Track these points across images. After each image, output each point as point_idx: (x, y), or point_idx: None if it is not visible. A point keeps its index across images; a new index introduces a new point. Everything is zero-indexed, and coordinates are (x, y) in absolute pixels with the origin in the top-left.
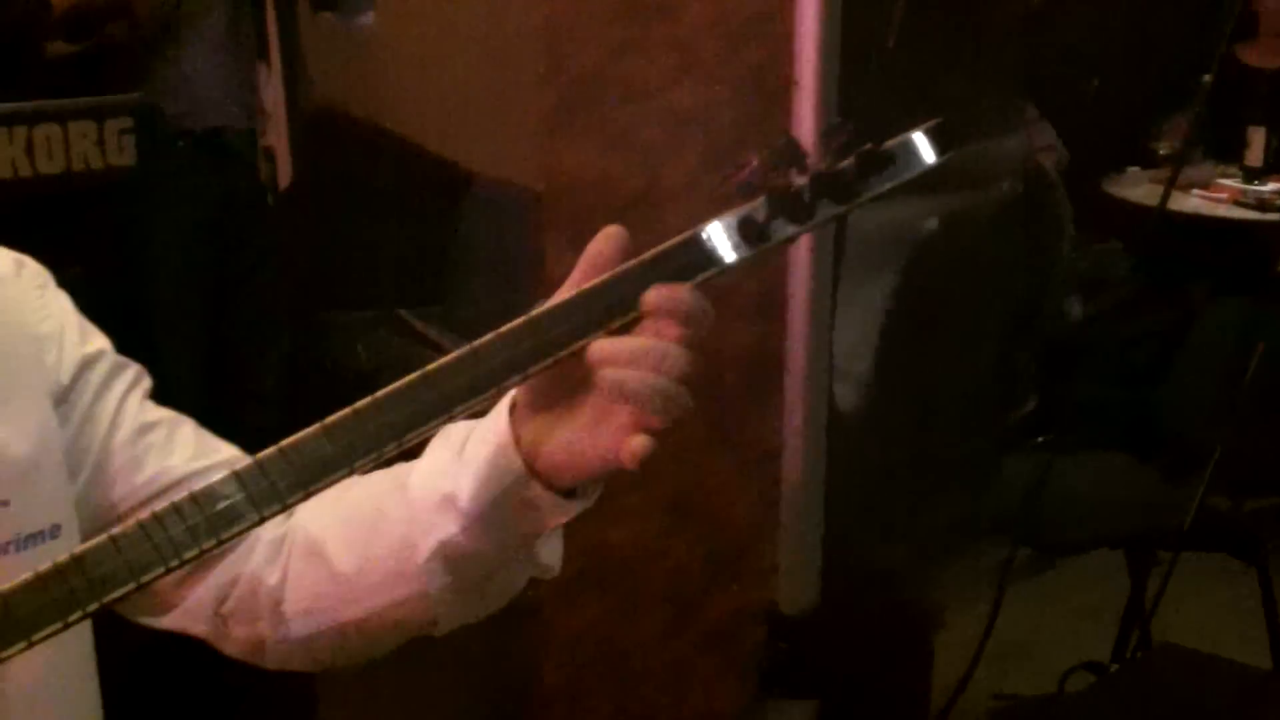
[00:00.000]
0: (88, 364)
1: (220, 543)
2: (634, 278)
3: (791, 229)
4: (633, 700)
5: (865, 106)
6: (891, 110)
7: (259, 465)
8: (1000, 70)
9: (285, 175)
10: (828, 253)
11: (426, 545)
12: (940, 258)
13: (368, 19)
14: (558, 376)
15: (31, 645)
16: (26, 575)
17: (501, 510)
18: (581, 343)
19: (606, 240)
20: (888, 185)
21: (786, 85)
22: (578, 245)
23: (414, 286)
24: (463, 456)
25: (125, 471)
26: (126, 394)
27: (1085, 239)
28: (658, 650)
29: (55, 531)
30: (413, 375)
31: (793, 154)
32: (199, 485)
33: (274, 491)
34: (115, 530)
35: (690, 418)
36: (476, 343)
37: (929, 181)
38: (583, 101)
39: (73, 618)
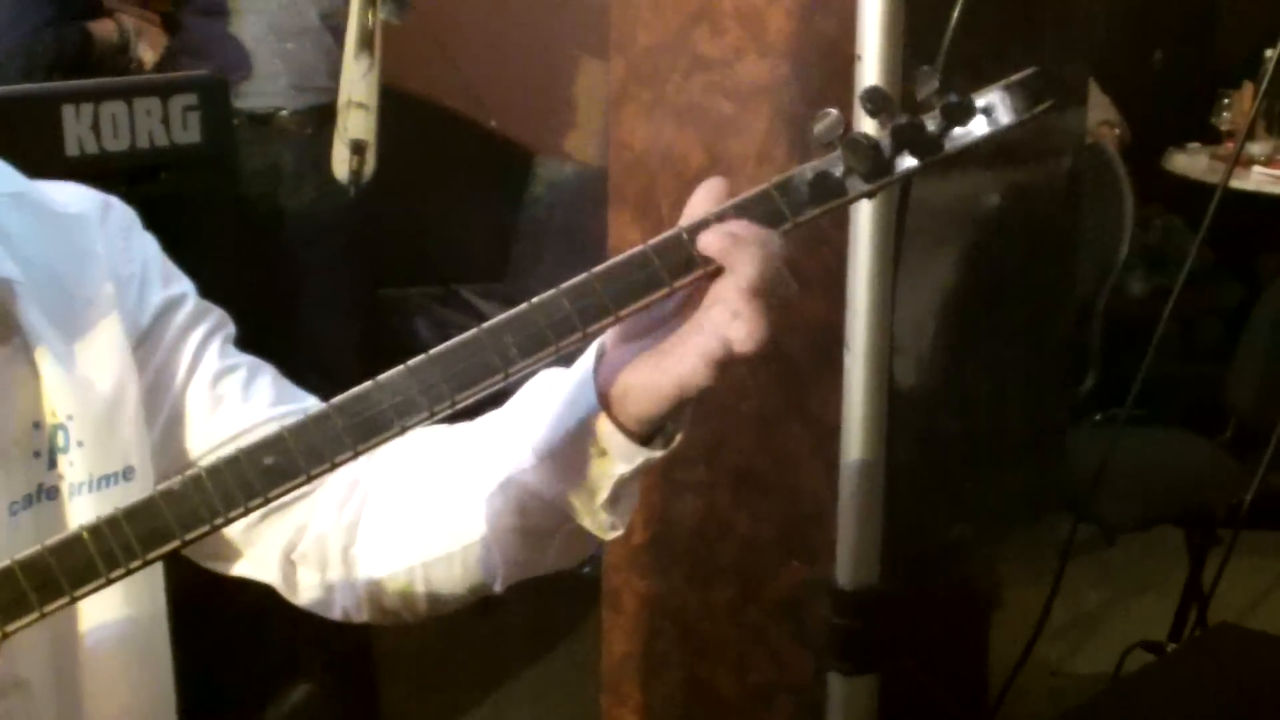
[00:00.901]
0: (169, 307)
1: (267, 500)
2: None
3: (869, 183)
4: (701, 669)
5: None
6: (959, 82)
7: (334, 409)
8: (1065, 42)
9: (370, 167)
10: (890, 226)
11: (496, 480)
12: (1002, 233)
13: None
14: (645, 321)
15: (110, 582)
16: (91, 521)
17: (572, 449)
18: (663, 291)
19: (709, 191)
20: (972, 139)
21: (854, 56)
22: (642, 220)
23: (474, 264)
24: (541, 397)
25: (202, 415)
26: (207, 338)
27: (1149, 214)
28: (726, 621)
29: (129, 473)
30: (498, 319)
31: (878, 102)
32: (279, 426)
33: (338, 443)
34: (167, 484)
35: (758, 388)
36: (567, 284)
37: (989, 155)
38: (650, 74)
39: (134, 565)
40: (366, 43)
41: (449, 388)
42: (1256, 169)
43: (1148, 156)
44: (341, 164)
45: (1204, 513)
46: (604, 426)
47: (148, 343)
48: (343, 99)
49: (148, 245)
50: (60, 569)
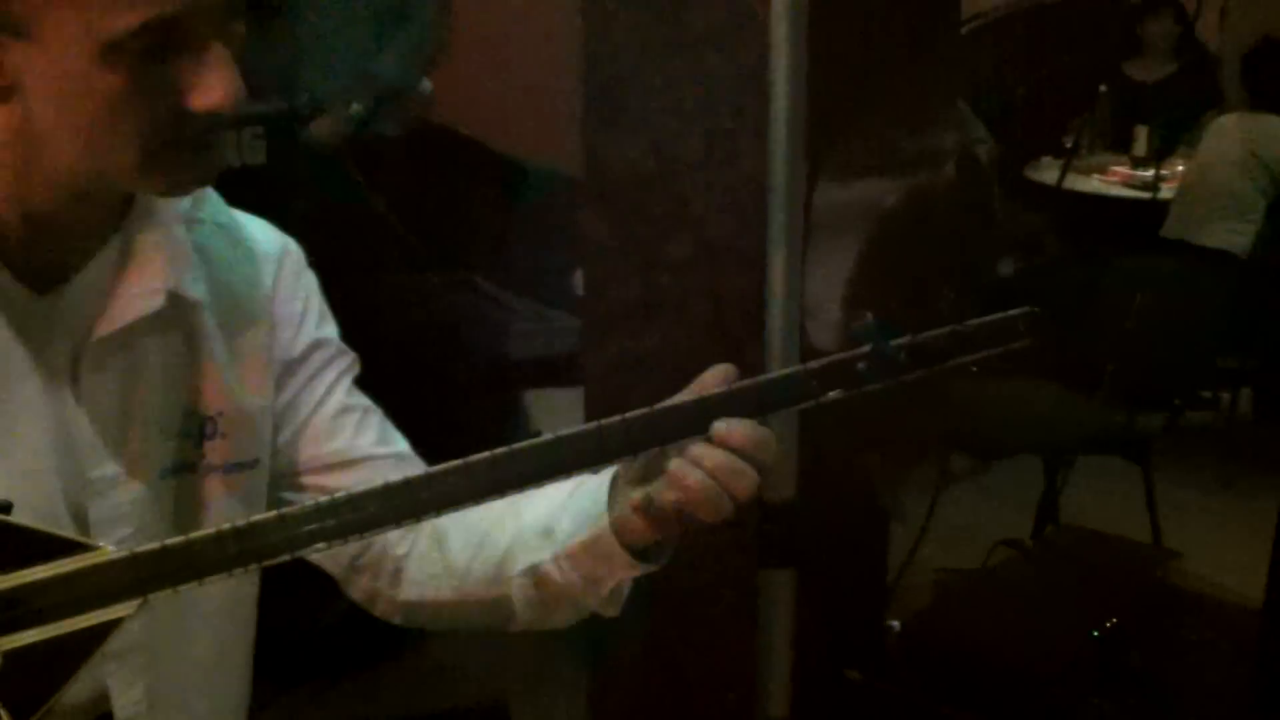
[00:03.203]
0: (316, 346)
1: (361, 537)
2: (724, 402)
3: (880, 381)
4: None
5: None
6: (851, 107)
7: (406, 484)
8: (942, 76)
9: None
10: (799, 213)
11: (522, 563)
12: (897, 227)
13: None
14: (653, 462)
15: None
16: (212, 530)
17: (586, 555)
18: (675, 443)
19: (716, 375)
20: (971, 358)
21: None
22: (605, 210)
23: (483, 255)
24: (569, 503)
25: (319, 439)
26: (339, 378)
27: (1015, 211)
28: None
29: (254, 464)
30: (542, 439)
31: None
32: (373, 467)
33: (412, 506)
34: (287, 509)
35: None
36: (602, 422)
37: (889, 166)
38: (611, 97)
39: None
40: None
41: (510, 485)
42: (1095, 176)
43: (1012, 168)
44: None
45: (1055, 443)
46: (609, 543)
47: (292, 371)
48: None
49: (311, 286)
50: (197, 558)
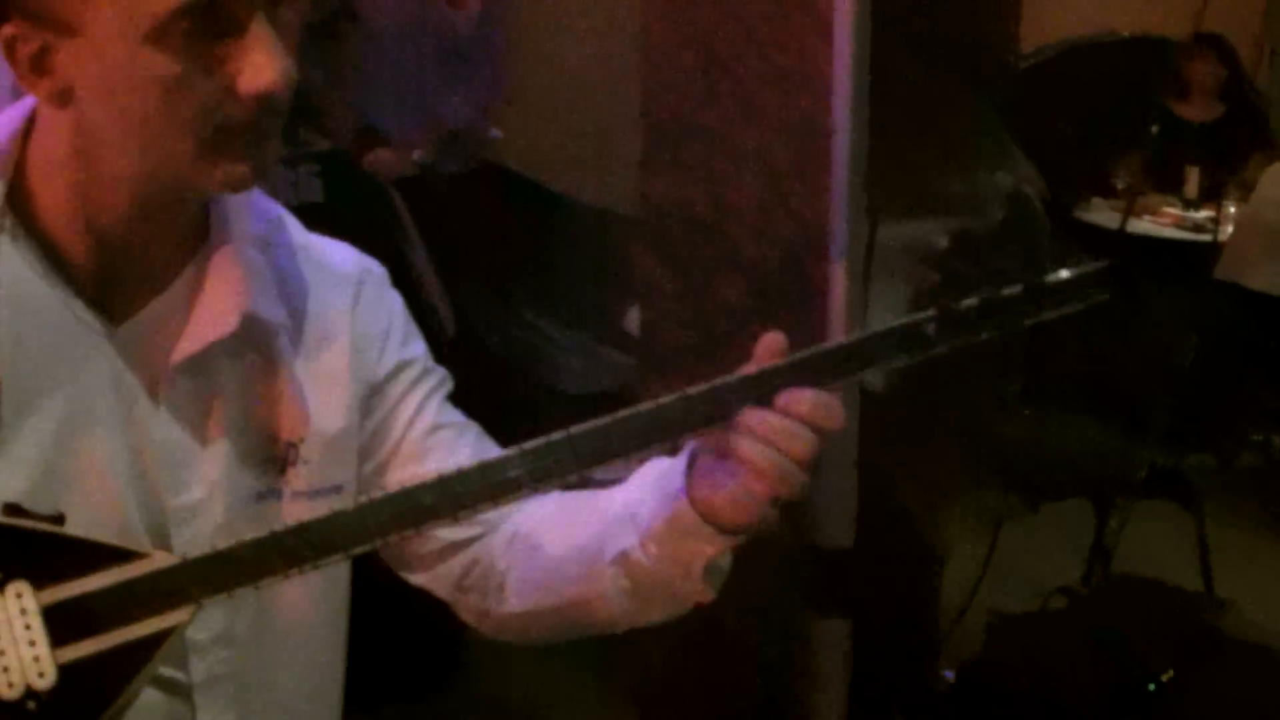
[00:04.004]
0: (403, 366)
1: (418, 532)
2: (786, 372)
3: (952, 342)
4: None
5: (893, 152)
6: (913, 149)
7: (460, 473)
8: (995, 114)
9: None
10: (860, 258)
11: (611, 551)
12: (948, 269)
13: None
14: (725, 435)
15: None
16: (301, 521)
17: (670, 532)
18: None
19: (768, 345)
20: (1049, 316)
21: (829, 130)
22: (660, 253)
23: (532, 288)
24: (651, 485)
25: (414, 459)
26: (429, 396)
27: (1060, 253)
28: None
29: (338, 490)
30: (596, 422)
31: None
32: None
33: (468, 495)
34: (341, 505)
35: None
36: (661, 400)
37: (944, 207)
38: (669, 142)
39: (306, 568)
40: None
41: (574, 463)
42: (1145, 217)
43: (1060, 209)
44: None
45: (1103, 485)
46: (690, 517)
47: (379, 394)
48: None
49: (395, 307)
50: (249, 561)
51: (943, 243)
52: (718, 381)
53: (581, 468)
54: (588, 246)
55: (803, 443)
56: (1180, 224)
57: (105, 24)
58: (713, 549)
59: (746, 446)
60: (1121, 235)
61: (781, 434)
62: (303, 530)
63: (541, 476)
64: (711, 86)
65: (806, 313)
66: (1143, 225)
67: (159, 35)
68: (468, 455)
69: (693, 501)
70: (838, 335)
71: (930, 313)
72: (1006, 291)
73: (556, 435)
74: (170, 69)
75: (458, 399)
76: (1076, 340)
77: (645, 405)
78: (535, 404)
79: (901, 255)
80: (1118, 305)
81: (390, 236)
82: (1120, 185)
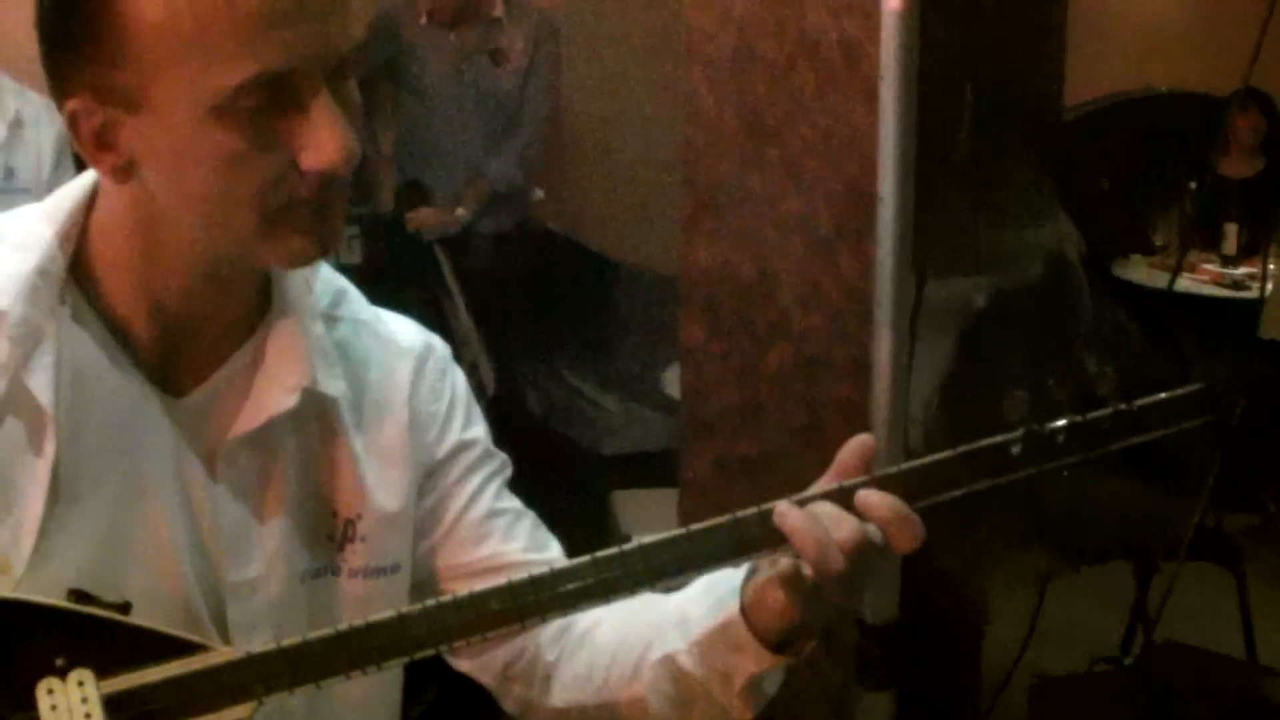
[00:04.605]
0: (462, 448)
1: (484, 638)
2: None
3: (1037, 466)
4: None
5: (938, 214)
6: (959, 208)
7: (530, 582)
8: (1039, 171)
9: None
10: (905, 324)
11: (657, 652)
12: (988, 327)
13: None
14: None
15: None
16: (382, 615)
17: (717, 641)
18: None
19: (854, 448)
20: (1139, 438)
21: (875, 196)
22: (704, 318)
23: (573, 350)
24: (707, 590)
25: (468, 544)
26: (487, 481)
27: (1098, 309)
28: None
29: (395, 569)
30: (673, 533)
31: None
32: (523, 573)
33: (536, 604)
34: (409, 608)
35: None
36: (739, 514)
37: (986, 264)
38: (713, 206)
39: (369, 669)
40: None
41: (641, 579)
42: (1184, 275)
43: (1098, 265)
44: None
45: (1145, 548)
46: (740, 630)
47: (436, 474)
48: None
49: (457, 386)
50: (313, 660)
51: (981, 302)
52: (797, 497)
53: (653, 580)
54: (627, 307)
55: (848, 529)
56: (1219, 281)
57: (171, 99)
58: (756, 666)
59: (794, 517)
60: (1156, 292)
61: (829, 515)
62: (368, 631)
63: (613, 588)
64: (758, 152)
65: (852, 378)
66: (1182, 282)
67: (224, 111)
68: (523, 544)
69: (744, 612)
70: (882, 403)
71: (1017, 434)
72: (1096, 415)
73: (629, 547)
74: (235, 144)
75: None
76: (1118, 399)
77: (722, 519)
78: (572, 462)
79: (940, 313)
80: (1160, 364)
81: (431, 295)
82: (1159, 242)
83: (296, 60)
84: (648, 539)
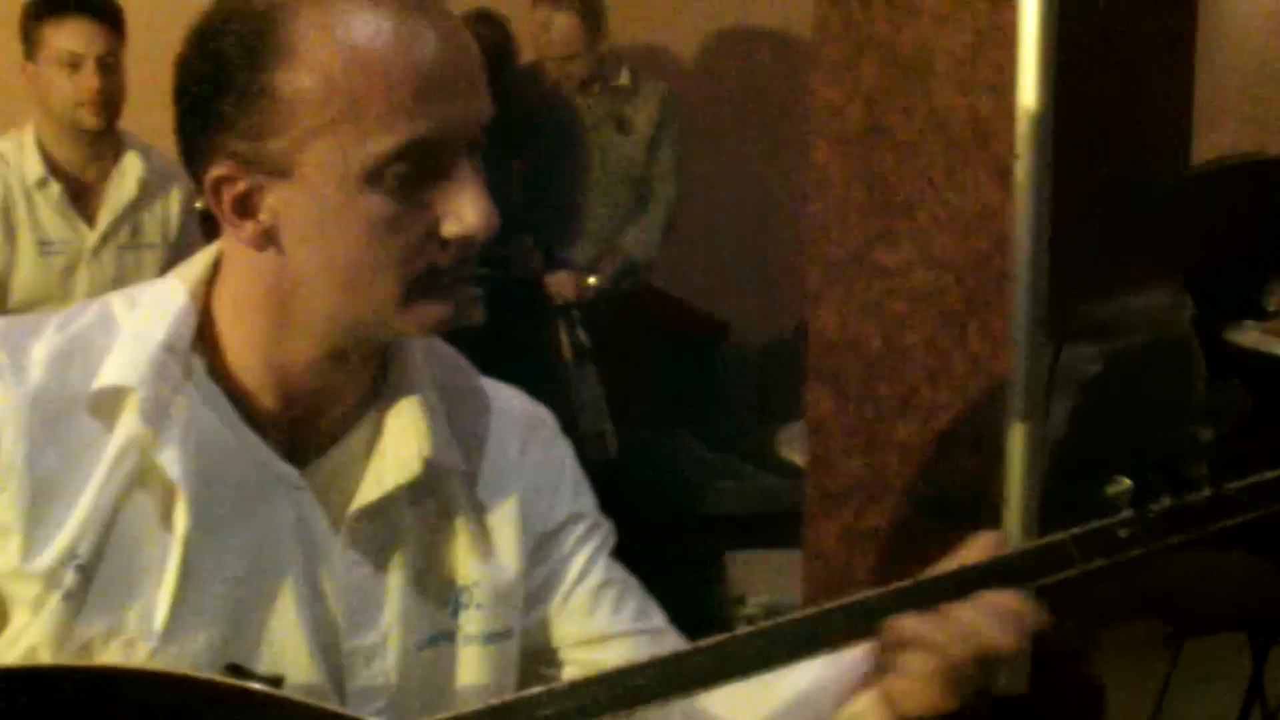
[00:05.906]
0: (573, 519)
1: (630, 712)
2: (978, 573)
3: (1143, 547)
4: None
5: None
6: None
7: (675, 657)
8: (1161, 237)
9: None
10: (1039, 395)
11: None
12: (1101, 393)
13: None
14: None
15: None
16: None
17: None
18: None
19: (980, 543)
20: (1238, 519)
21: (1006, 272)
22: (832, 389)
23: (687, 411)
24: (837, 667)
25: (578, 614)
26: (596, 552)
27: (1215, 376)
28: None
29: (508, 634)
30: (806, 611)
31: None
32: (633, 643)
33: (680, 680)
34: (555, 684)
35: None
36: (866, 593)
37: (1089, 330)
38: (841, 278)
39: None
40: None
41: (777, 659)
42: None
43: (1209, 328)
44: None
45: (1262, 620)
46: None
47: (548, 545)
48: None
49: (566, 458)
50: None
51: (1096, 368)
52: (920, 577)
53: (797, 657)
54: (738, 369)
55: (982, 642)
56: None
57: (322, 166)
58: None
59: (897, 629)
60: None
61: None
62: (505, 710)
63: (767, 660)
64: (888, 225)
65: (980, 454)
66: None
67: (375, 177)
68: (631, 615)
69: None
70: (1015, 479)
71: (1125, 514)
72: (1197, 497)
73: (784, 619)
74: (384, 211)
75: (609, 515)
76: (1224, 467)
77: (858, 596)
78: (688, 523)
79: (1059, 382)
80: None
81: (551, 360)
82: (1271, 307)
83: (446, 129)
84: (801, 612)
